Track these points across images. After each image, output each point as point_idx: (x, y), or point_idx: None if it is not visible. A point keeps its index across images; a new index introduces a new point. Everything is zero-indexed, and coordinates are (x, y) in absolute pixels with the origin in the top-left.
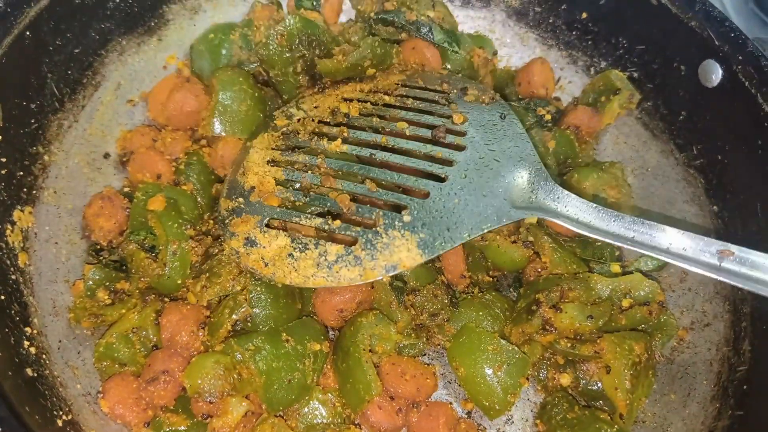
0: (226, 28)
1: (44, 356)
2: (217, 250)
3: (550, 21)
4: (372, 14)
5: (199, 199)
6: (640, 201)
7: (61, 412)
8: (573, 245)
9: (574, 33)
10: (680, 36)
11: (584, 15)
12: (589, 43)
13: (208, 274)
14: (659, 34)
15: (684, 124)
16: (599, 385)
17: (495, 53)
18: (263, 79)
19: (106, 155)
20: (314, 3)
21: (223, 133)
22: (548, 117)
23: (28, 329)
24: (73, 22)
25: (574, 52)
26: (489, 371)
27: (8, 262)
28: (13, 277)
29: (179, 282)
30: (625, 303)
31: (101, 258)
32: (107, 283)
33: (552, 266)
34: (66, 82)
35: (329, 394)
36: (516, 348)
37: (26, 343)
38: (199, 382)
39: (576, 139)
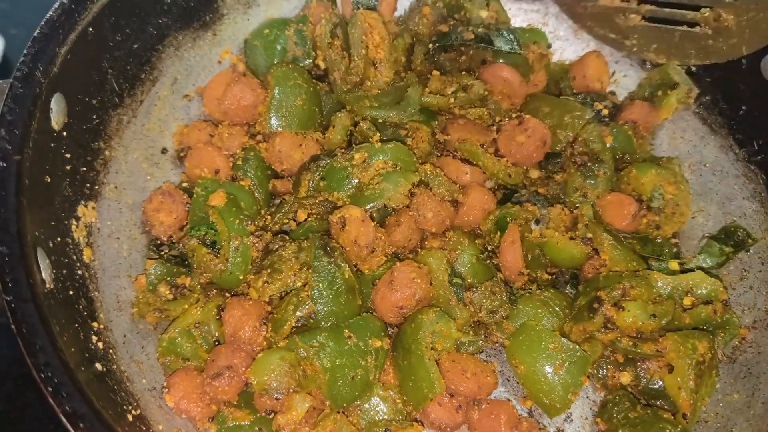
0: (281, 23)
1: (111, 351)
2: (277, 246)
3: None
4: (429, 39)
5: (256, 195)
6: (697, 197)
7: (130, 407)
8: (632, 242)
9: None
10: None
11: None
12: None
13: (269, 270)
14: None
15: (744, 119)
16: (660, 383)
17: (549, 47)
18: (317, 74)
19: (164, 150)
20: (372, 0)
21: (280, 129)
22: (605, 112)
23: (95, 324)
24: (132, 17)
25: None
26: (549, 369)
27: (74, 257)
28: (80, 272)
29: (241, 277)
30: (687, 301)
31: (162, 253)
32: (168, 278)
33: (611, 263)
34: (125, 78)
35: (390, 391)
36: (577, 346)
37: (94, 338)
38: (266, 378)
39: (633, 135)
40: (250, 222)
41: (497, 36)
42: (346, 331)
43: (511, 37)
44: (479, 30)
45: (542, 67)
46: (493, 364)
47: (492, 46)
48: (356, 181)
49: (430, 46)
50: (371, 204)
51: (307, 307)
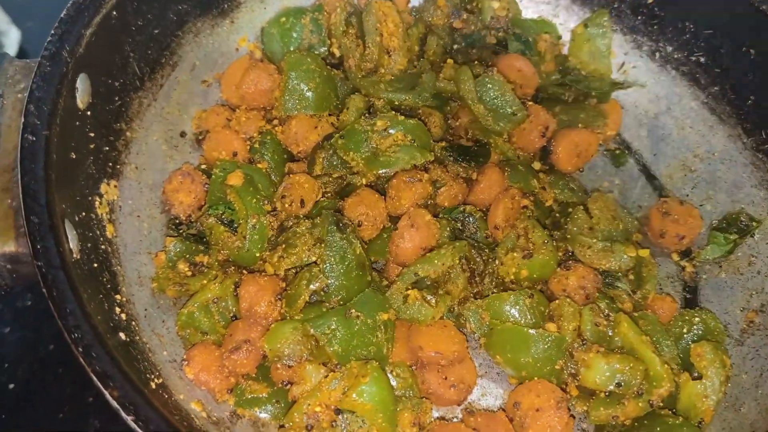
0: (297, 12)
1: (133, 323)
2: (291, 223)
3: (615, 5)
4: (443, 31)
5: (273, 177)
6: (706, 185)
7: (153, 376)
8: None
9: (639, 18)
10: (751, 20)
11: (650, 0)
12: (655, 27)
13: (284, 245)
14: (728, 18)
15: (752, 109)
16: None
17: (559, 38)
18: (332, 62)
19: (183, 134)
20: None
21: (295, 112)
22: None
23: (118, 296)
24: (153, 3)
25: (638, 37)
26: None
27: (98, 232)
28: (103, 247)
29: (257, 255)
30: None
31: (181, 231)
32: (187, 256)
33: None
34: (146, 62)
35: (399, 368)
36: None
37: (117, 309)
38: (279, 346)
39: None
40: (266, 202)
41: (512, 41)
42: (353, 310)
43: (527, 44)
44: (500, 34)
45: (552, 58)
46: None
47: (507, 50)
48: (373, 145)
49: (455, 46)
50: (383, 170)
51: (319, 281)
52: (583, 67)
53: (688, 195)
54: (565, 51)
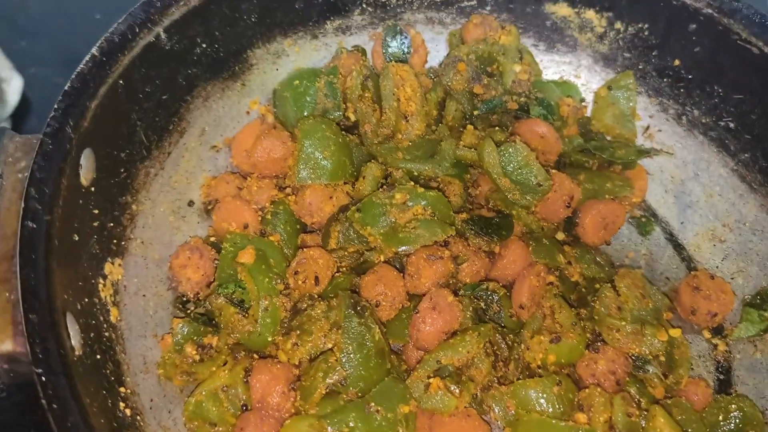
0: (311, 74)
1: (138, 417)
2: (305, 305)
3: (640, 67)
4: (463, 96)
5: (285, 250)
6: (736, 257)
7: None
8: None
9: (665, 80)
10: None
11: (677, 62)
12: (681, 90)
13: (298, 332)
14: (760, 83)
15: None
16: None
17: (582, 100)
18: (347, 126)
19: (191, 203)
20: (404, 52)
21: (309, 181)
22: None
23: (122, 389)
24: (162, 68)
25: (664, 100)
26: None
27: (101, 318)
28: (107, 334)
29: (270, 339)
30: None
31: (188, 311)
32: (195, 338)
33: None
34: (153, 130)
35: None
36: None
37: (122, 404)
38: None
39: None
40: (279, 280)
41: (534, 105)
42: (373, 404)
43: (549, 108)
44: (521, 99)
45: (575, 122)
46: None
47: (529, 115)
48: (392, 220)
49: (475, 112)
50: (404, 247)
51: (336, 373)
52: (606, 131)
53: (718, 267)
54: (587, 113)
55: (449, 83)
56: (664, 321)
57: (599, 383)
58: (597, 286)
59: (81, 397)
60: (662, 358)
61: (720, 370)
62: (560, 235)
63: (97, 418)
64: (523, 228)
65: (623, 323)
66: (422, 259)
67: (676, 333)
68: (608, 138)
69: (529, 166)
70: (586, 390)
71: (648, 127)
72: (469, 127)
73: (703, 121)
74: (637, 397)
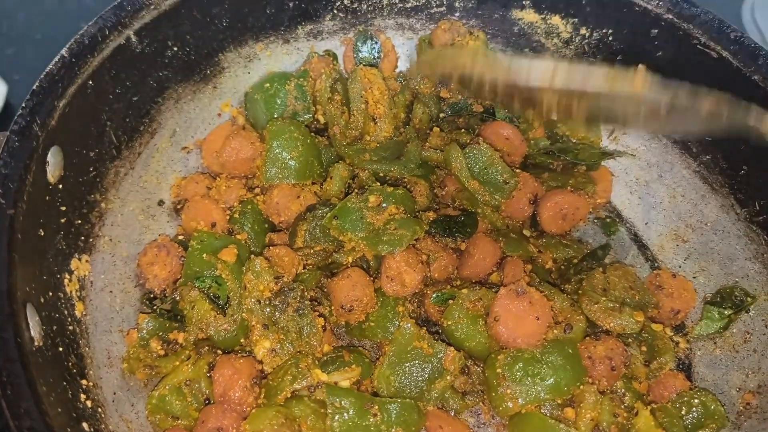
0: (282, 77)
1: (100, 410)
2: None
3: None
4: (430, 99)
5: (253, 249)
6: (698, 257)
7: None
8: None
9: None
10: (742, 89)
11: (640, 66)
12: None
13: (275, 332)
14: (720, 87)
15: (745, 179)
16: None
17: None
18: (317, 128)
19: (161, 202)
20: (374, 57)
21: (277, 181)
22: None
23: (84, 382)
24: (132, 70)
25: None
26: None
27: (66, 312)
28: (71, 327)
29: (242, 340)
30: None
31: (155, 307)
32: (160, 333)
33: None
34: (124, 130)
35: None
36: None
37: (83, 396)
38: (261, 427)
39: None
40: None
41: (499, 108)
42: (376, 407)
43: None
44: (486, 102)
45: (541, 124)
46: None
47: (495, 117)
48: (370, 222)
49: (441, 115)
50: (390, 249)
51: (305, 380)
52: (572, 134)
53: (680, 266)
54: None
55: (417, 87)
56: (645, 310)
57: (594, 365)
58: (574, 261)
59: (36, 386)
60: (644, 348)
61: (681, 366)
62: (526, 232)
63: (54, 407)
64: (488, 226)
65: (603, 300)
66: (404, 263)
67: (657, 328)
68: (573, 140)
69: (494, 165)
70: (581, 387)
71: (613, 131)
72: (436, 129)
73: None
74: (623, 390)
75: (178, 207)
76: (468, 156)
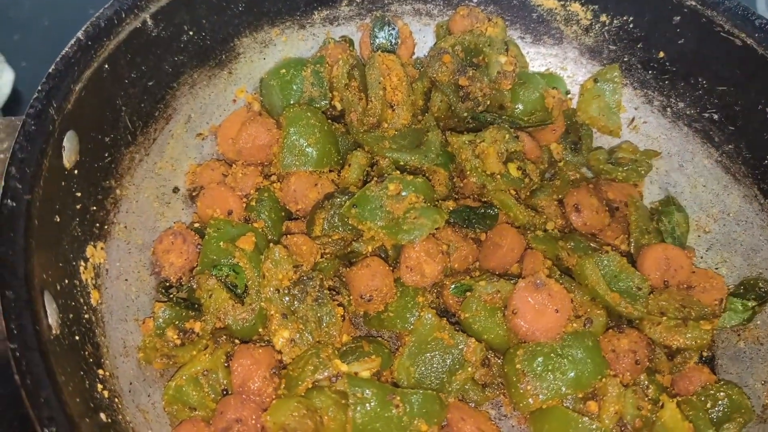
0: (298, 63)
1: (117, 400)
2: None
3: (625, 59)
4: (449, 88)
5: (270, 237)
6: (721, 247)
7: None
8: None
9: (650, 72)
10: (766, 78)
11: (662, 54)
12: (666, 82)
13: (295, 321)
14: (743, 75)
15: None
16: None
17: (568, 92)
18: (334, 115)
19: (176, 189)
20: (391, 43)
21: (294, 168)
22: None
23: (101, 371)
24: (148, 55)
25: (649, 92)
26: None
27: (82, 300)
28: (87, 316)
29: (261, 330)
30: None
31: (171, 295)
32: (177, 322)
33: None
34: (139, 115)
35: None
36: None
37: (99, 386)
38: (283, 419)
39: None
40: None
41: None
42: (398, 397)
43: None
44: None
45: (560, 114)
46: None
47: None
48: (389, 211)
49: (466, 114)
50: (410, 238)
51: (327, 371)
52: (591, 123)
53: (702, 257)
54: (573, 105)
55: (434, 75)
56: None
57: (618, 358)
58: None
59: (55, 375)
60: None
61: (703, 359)
62: (550, 225)
63: (72, 397)
64: (509, 219)
65: (665, 319)
66: (424, 252)
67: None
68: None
69: (625, 271)
70: (603, 380)
71: (633, 119)
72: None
73: (688, 112)
74: (646, 383)
75: (194, 194)
76: (598, 266)
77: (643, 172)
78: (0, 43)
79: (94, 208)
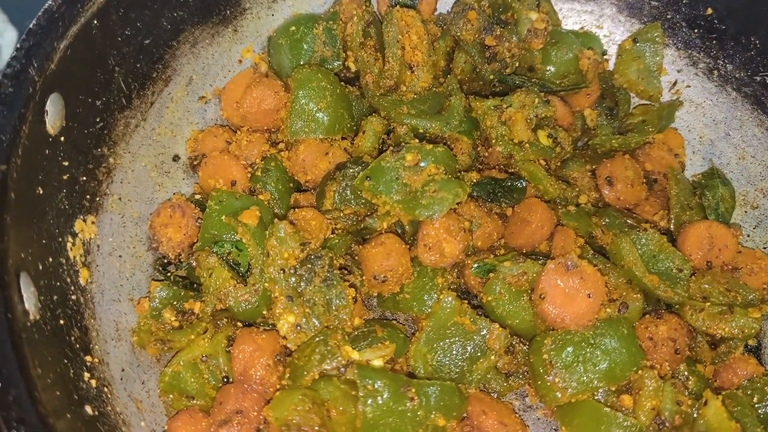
0: (309, 20)
1: (106, 389)
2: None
3: (668, 17)
4: (473, 47)
5: (277, 210)
6: None
7: None
8: None
9: (696, 31)
10: None
11: (710, 11)
12: (714, 42)
13: (301, 305)
14: None
15: None
16: None
17: (604, 53)
18: (348, 77)
19: (176, 158)
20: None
21: (303, 135)
22: None
23: (88, 358)
24: (143, 10)
25: (694, 53)
26: None
27: (69, 280)
28: (74, 297)
29: (265, 312)
30: None
31: (168, 273)
32: (175, 303)
33: None
34: (134, 77)
35: None
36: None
37: (86, 375)
38: (287, 413)
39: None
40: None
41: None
42: (413, 390)
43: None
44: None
45: (595, 77)
46: None
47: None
48: (405, 183)
49: (492, 76)
50: (429, 213)
51: (336, 360)
52: (629, 87)
53: (749, 235)
54: (610, 67)
55: (458, 34)
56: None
57: (655, 347)
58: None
59: (29, 369)
60: None
61: (749, 348)
62: (583, 198)
63: (50, 391)
64: (537, 192)
65: (708, 305)
66: (443, 229)
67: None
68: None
69: (664, 251)
70: (639, 372)
71: (675, 83)
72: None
73: (737, 76)
74: (686, 374)
75: (195, 163)
76: (635, 245)
77: (650, 128)
78: (2, 3)
79: (84, 178)
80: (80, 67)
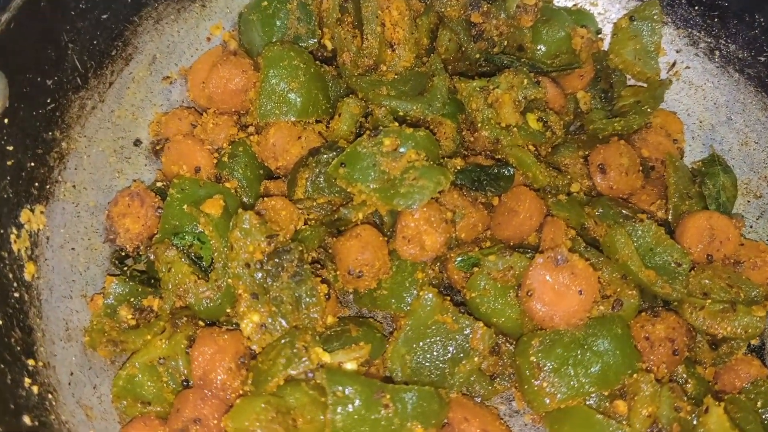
0: None
1: (51, 395)
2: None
3: None
4: (458, 24)
5: (245, 199)
6: None
7: None
8: None
9: (696, 8)
10: None
11: None
12: (715, 21)
13: (267, 305)
14: None
15: None
16: None
17: (599, 32)
18: (324, 57)
19: (137, 142)
20: None
21: (274, 118)
22: None
23: (31, 361)
24: None
25: (695, 32)
26: None
27: (11, 275)
28: (17, 294)
29: (228, 310)
30: None
31: (125, 268)
32: (132, 299)
33: None
34: (91, 55)
35: None
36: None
37: (27, 380)
38: (247, 424)
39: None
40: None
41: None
42: (387, 396)
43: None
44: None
45: (589, 57)
46: None
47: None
48: (384, 171)
49: (478, 56)
50: (409, 203)
51: (303, 365)
52: (625, 68)
53: (752, 226)
54: (604, 47)
55: (443, 10)
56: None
57: (652, 348)
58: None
59: None
60: None
61: (752, 349)
62: (575, 187)
63: None
64: (526, 180)
65: (708, 302)
66: (424, 221)
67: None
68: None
69: (662, 244)
70: (634, 375)
71: (674, 64)
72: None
73: (740, 56)
74: (685, 377)
75: (158, 148)
76: (631, 237)
77: (649, 109)
78: None
79: (32, 164)
80: (27, 43)
